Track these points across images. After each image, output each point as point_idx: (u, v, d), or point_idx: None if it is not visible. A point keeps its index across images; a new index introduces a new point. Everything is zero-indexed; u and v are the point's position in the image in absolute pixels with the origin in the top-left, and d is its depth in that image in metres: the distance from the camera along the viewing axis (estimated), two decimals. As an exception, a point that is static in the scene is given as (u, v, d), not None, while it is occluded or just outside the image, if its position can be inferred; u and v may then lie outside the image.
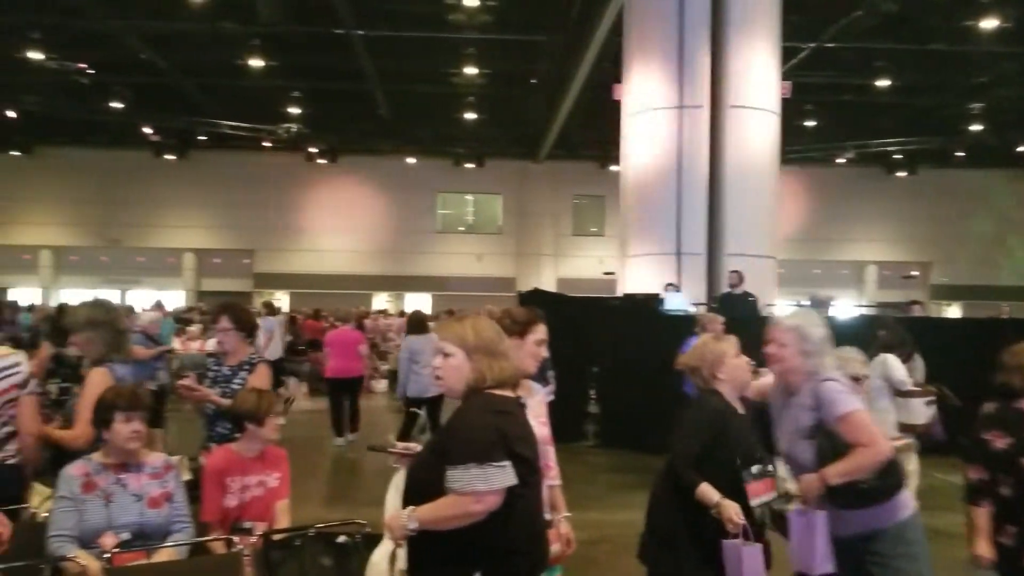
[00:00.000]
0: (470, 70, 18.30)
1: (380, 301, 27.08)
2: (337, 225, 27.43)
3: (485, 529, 2.31)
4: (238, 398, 3.77)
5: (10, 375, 3.46)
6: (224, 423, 4.04)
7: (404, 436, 10.06)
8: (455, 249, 28.03)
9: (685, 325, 8.18)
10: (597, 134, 22.17)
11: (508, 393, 2.49)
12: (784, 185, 13.86)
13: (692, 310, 9.73)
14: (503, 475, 2.27)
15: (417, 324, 9.50)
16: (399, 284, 27.65)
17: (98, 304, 4.22)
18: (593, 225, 28.03)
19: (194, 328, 13.40)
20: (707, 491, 3.07)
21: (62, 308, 8.87)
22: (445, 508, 2.31)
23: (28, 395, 3.51)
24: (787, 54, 13.51)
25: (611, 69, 14.21)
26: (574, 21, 15.23)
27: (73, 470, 3.17)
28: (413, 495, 2.41)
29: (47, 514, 3.39)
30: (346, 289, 26.19)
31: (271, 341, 12.18)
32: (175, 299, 25.14)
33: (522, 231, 27.99)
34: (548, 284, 24.93)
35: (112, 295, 24.99)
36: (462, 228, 28.96)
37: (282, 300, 26.13)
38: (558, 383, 6.94)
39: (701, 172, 11.45)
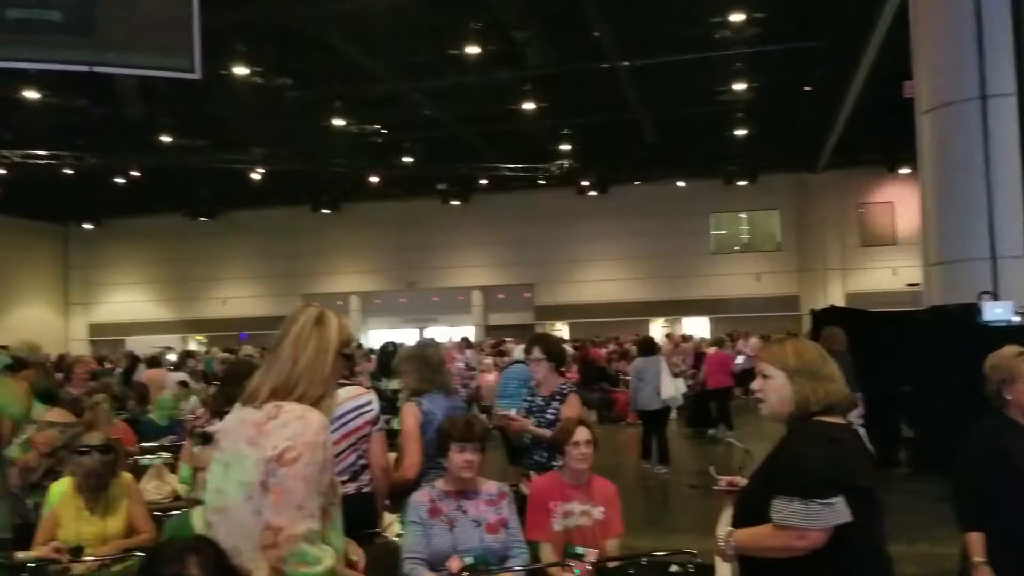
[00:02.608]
0: (739, 86, 17.89)
1: (656, 327, 27.02)
2: (611, 253, 27.84)
3: (821, 561, 2.22)
4: (557, 427, 3.90)
5: (364, 413, 3.76)
6: (541, 451, 4.19)
7: (646, 446, 10.39)
8: (731, 270, 27.31)
9: (1012, 337, 7.33)
10: (881, 137, 20.68)
11: (838, 420, 2.39)
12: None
13: (1018, 319, 8.71)
14: (830, 513, 2.18)
15: (646, 346, 10.91)
16: (675, 309, 27.42)
17: (419, 342, 4.57)
18: (883, 234, 26.06)
19: (489, 361, 14.14)
20: (974, 543, 2.78)
21: (385, 347, 9.76)
22: (765, 538, 2.25)
23: (378, 431, 3.81)
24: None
25: (895, 66, 13.23)
26: (850, 20, 14.39)
27: (420, 496, 3.44)
28: (743, 527, 2.38)
29: (396, 538, 3.71)
30: (623, 316, 26.47)
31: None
32: (466, 334, 26.72)
33: (803, 246, 26.67)
34: (836, 299, 23.51)
35: (411, 334, 27.16)
36: (737, 247, 28.17)
37: (562, 330, 26.93)
38: (865, 406, 6.53)
39: (1013, 167, 10.27)
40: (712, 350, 14.44)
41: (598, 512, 3.70)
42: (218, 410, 4.94)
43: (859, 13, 13.96)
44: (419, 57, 15.83)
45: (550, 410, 4.38)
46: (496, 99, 18.37)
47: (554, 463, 4.03)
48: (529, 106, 18.24)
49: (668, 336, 19.56)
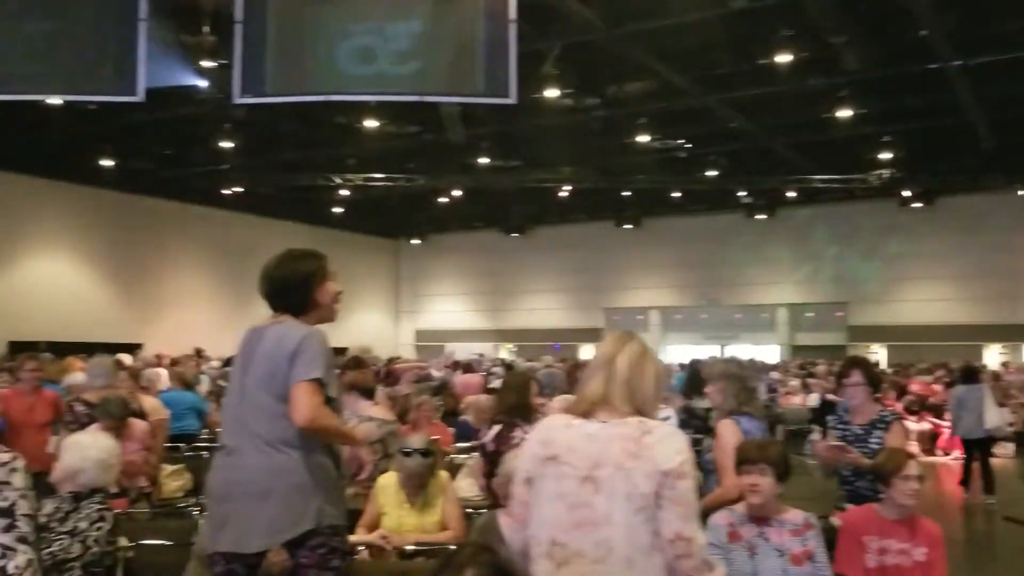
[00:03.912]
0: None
1: (992, 353, 24.10)
2: (936, 271, 25.31)
3: None
4: (881, 457, 3.64)
5: None
6: (862, 482, 3.92)
7: (966, 473, 9.94)
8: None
9: None
10: None
11: None
12: None
13: None
14: None
15: (968, 374, 10.87)
16: (1016, 334, 24.25)
17: (732, 360, 4.49)
18: None
19: (795, 383, 13.47)
20: None
21: (695, 363, 9.69)
22: None
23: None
24: None
25: None
26: None
27: (719, 519, 3.36)
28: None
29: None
30: (950, 340, 23.86)
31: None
32: (770, 354, 25.73)
33: None
34: None
35: (712, 351, 26.64)
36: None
37: (879, 354, 24.94)
38: None
39: None
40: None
41: (919, 553, 3.39)
42: (492, 419, 5.19)
43: None
44: (727, 69, 15.54)
45: (872, 439, 4.07)
46: (808, 107, 17.53)
47: (880, 495, 3.74)
48: (845, 113, 17.15)
49: (1004, 364, 17.37)
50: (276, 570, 3.34)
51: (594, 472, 2.23)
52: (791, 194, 25.01)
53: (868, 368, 4.31)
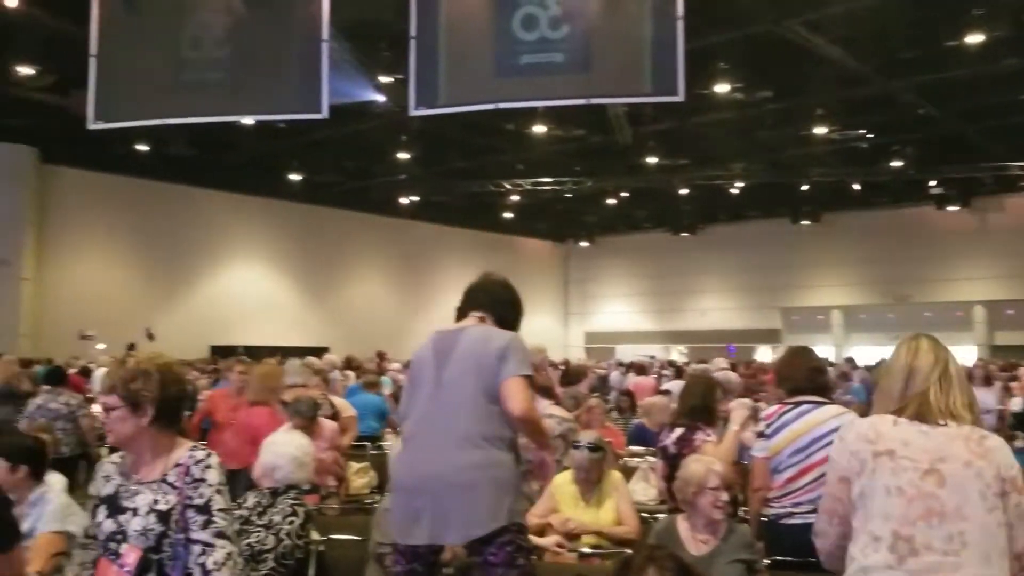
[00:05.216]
0: None
1: None
2: None
3: None
4: None
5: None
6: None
7: None
8: None
9: None
10: None
11: None
12: None
13: None
14: None
15: None
16: None
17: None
18: None
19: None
20: None
21: (880, 364, 9.21)
22: None
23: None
24: None
25: None
26: None
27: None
28: None
29: None
30: None
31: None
32: (966, 355, 23.90)
33: None
34: None
35: (900, 352, 25.00)
36: None
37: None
38: None
39: None
40: None
41: None
42: (673, 422, 5.11)
43: None
44: (911, 53, 14.60)
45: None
46: (1003, 90, 16.19)
47: None
48: (1046, 93, 15.75)
49: None
50: (454, 565, 3.44)
51: (937, 465, 2.24)
52: (986, 183, 23.18)
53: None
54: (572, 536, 4.22)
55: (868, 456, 2.29)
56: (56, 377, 8.13)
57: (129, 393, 2.45)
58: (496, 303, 3.45)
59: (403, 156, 20.42)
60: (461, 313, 3.47)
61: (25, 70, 14.62)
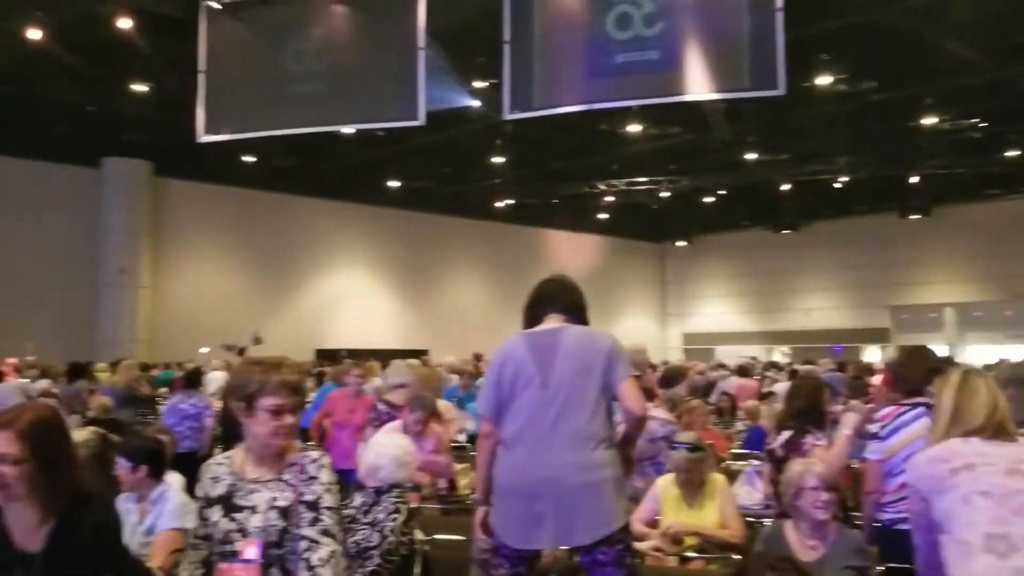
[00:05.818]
0: None
1: None
2: None
3: None
4: None
5: None
6: None
7: None
8: None
9: None
10: None
11: None
12: None
13: None
14: None
15: None
16: None
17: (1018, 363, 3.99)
18: None
19: None
20: None
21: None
22: None
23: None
24: None
25: None
26: None
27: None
28: None
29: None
30: None
31: None
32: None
33: None
34: None
35: (1018, 351, 23.76)
36: None
37: None
38: None
39: None
40: None
41: None
42: (780, 424, 4.95)
43: None
44: (1026, 37, 13.89)
45: None
46: None
47: None
48: None
49: None
50: (557, 566, 3.44)
51: (1018, 466, 2.36)
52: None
53: None
54: (675, 540, 4.16)
55: (946, 474, 2.40)
56: (192, 381, 8.75)
57: (300, 395, 2.60)
58: (574, 305, 3.45)
59: (498, 160, 20.57)
60: (535, 312, 3.45)
61: (139, 88, 15.42)
